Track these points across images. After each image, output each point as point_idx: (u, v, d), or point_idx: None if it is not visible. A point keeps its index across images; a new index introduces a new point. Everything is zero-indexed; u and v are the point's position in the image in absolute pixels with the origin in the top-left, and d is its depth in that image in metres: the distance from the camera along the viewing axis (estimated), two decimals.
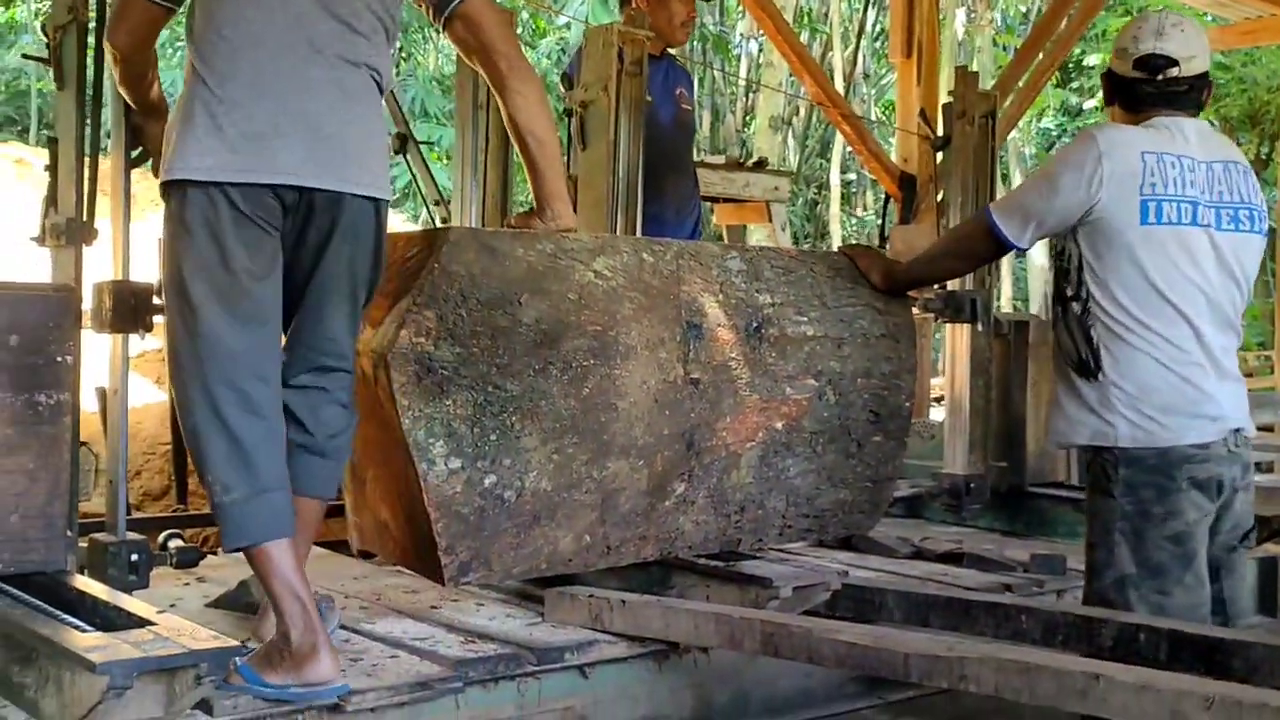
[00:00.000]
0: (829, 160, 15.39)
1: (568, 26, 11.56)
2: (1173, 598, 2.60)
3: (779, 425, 3.07)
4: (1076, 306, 2.67)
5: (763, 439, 3.05)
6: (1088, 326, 2.65)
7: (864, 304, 3.22)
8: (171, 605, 2.50)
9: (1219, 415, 2.62)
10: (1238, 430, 2.66)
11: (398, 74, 11.54)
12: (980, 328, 4.03)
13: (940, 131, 4.17)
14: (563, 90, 3.60)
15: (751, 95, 14.89)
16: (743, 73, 15.01)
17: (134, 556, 2.61)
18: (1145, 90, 2.71)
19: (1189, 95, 2.71)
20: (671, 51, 4.40)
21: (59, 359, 2.41)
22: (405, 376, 2.57)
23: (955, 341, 4.09)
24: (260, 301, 2.35)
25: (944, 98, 9.97)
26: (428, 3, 2.54)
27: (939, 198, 7.95)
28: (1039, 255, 14.38)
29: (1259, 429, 7.84)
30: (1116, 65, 2.76)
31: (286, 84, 2.35)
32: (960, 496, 4.01)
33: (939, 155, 4.22)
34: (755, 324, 3.03)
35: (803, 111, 14.69)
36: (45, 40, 2.66)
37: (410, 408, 2.58)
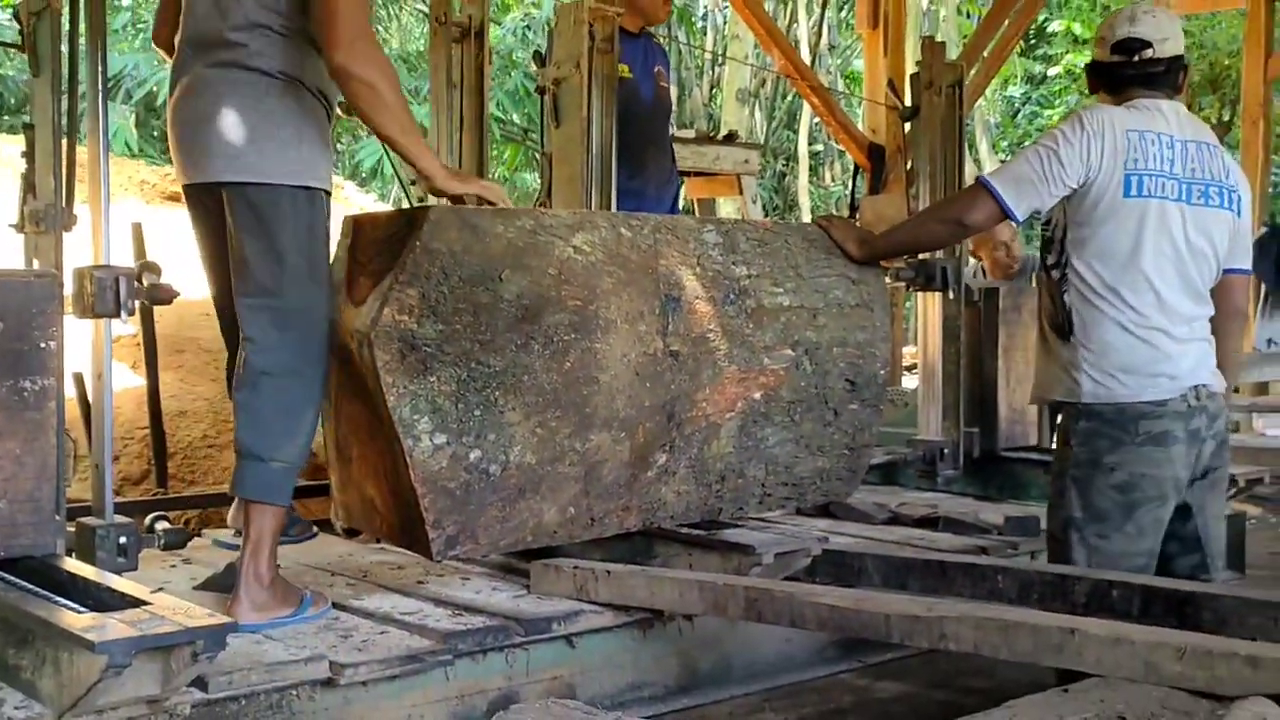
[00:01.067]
0: (796, 132, 15.40)
1: (536, 4, 11.50)
2: (1111, 542, 2.79)
3: (757, 395, 3.12)
4: (1056, 273, 2.87)
5: (742, 409, 3.10)
6: (1063, 291, 2.85)
7: (838, 274, 3.26)
8: (159, 588, 2.50)
9: (1176, 374, 2.79)
10: (1198, 386, 2.82)
11: None
12: (951, 296, 4.08)
13: (908, 102, 4.20)
14: (534, 68, 3.61)
15: (717, 68, 14.87)
16: (708, 45, 14.99)
17: (122, 539, 2.61)
18: (1125, 72, 2.90)
19: (1166, 76, 2.90)
20: (649, 30, 4.40)
21: (43, 345, 2.41)
22: (389, 354, 2.59)
23: (927, 310, 4.14)
24: (216, 276, 2.92)
25: (910, 68, 10.01)
26: None
27: (907, 167, 8.05)
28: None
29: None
30: (1098, 54, 2.96)
31: (179, 95, 2.75)
32: (935, 462, 4.07)
33: (907, 126, 4.25)
34: (732, 295, 3.07)
35: (769, 83, 14.69)
36: (18, 26, 2.65)
37: (395, 385, 2.60)
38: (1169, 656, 2.01)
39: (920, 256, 3.98)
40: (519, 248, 2.76)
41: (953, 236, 3.42)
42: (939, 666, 3.14)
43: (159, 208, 6.63)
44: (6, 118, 11.37)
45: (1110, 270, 2.79)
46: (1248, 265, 2.99)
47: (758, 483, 3.20)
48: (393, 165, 3.95)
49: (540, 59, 3.51)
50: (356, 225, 2.90)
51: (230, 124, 2.63)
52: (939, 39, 4.79)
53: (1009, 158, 2.89)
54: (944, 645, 2.29)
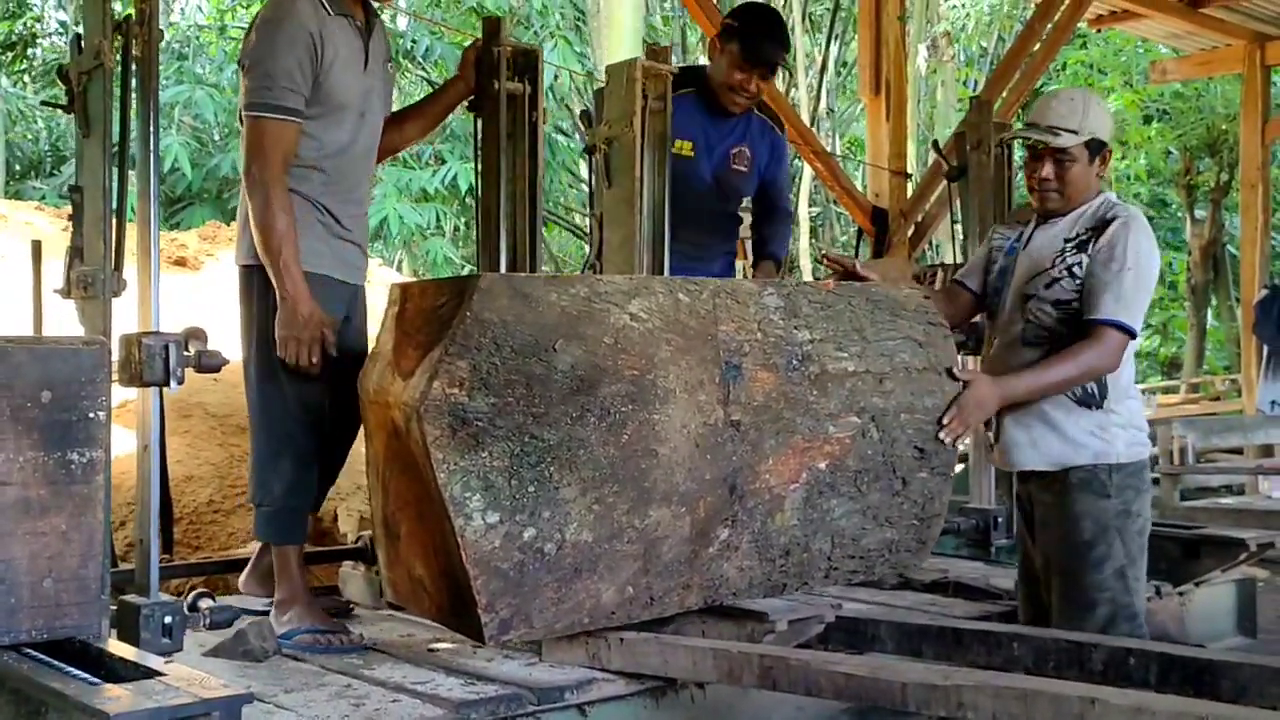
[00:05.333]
0: (795, 195, 15.46)
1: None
2: (1140, 583, 3.07)
3: (822, 465, 3.00)
4: None
5: (806, 480, 2.98)
6: None
7: (904, 337, 3.14)
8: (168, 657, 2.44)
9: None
10: None
11: None
12: None
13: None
14: (583, 128, 3.54)
15: None
16: None
17: (167, 619, 2.50)
18: None
19: None
20: (763, 113, 4.18)
21: (91, 415, 2.31)
22: (439, 429, 2.49)
23: None
24: None
25: (911, 133, 10.00)
26: None
27: (910, 232, 8.06)
28: None
29: (1228, 451, 7.90)
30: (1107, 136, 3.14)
31: None
32: (989, 531, 3.96)
33: (953, 185, 4.16)
34: (795, 361, 2.96)
35: None
36: (67, 87, 2.56)
37: (445, 461, 2.49)
38: None
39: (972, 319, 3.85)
40: (573, 316, 2.66)
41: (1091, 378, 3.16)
42: None
43: (166, 274, 6.55)
44: (12, 184, 11.29)
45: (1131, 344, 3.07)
46: None
47: (823, 556, 3.06)
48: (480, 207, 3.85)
49: (587, 119, 3.43)
50: (404, 294, 2.81)
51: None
52: (936, 108, 4.75)
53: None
54: (961, 714, 2.27)
